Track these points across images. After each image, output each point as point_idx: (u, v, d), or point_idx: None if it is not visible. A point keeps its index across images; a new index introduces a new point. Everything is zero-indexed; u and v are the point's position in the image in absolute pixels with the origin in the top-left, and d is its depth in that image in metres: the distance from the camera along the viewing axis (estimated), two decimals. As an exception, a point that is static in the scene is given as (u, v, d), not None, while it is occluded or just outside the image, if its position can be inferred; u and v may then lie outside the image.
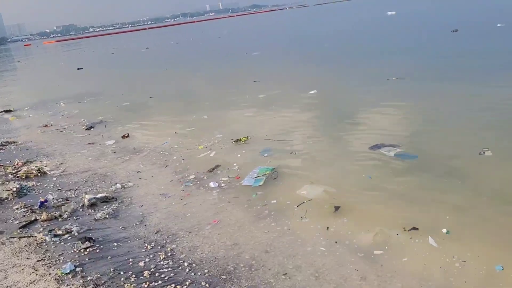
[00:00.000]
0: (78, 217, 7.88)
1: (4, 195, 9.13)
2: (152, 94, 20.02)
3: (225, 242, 6.51)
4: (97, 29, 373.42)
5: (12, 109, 21.21)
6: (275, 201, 7.68)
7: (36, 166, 11.10)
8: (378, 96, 14.10)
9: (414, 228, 6.22)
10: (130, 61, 42.31)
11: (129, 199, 8.62)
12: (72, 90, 25.02)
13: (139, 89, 22.90)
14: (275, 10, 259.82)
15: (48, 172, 10.78)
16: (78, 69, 38.91)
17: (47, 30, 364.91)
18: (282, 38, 46.36)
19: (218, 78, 23.13)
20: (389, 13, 60.72)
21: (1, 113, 20.66)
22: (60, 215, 7.94)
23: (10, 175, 10.78)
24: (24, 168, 11.00)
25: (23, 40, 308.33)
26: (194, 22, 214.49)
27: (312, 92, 15.68)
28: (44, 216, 7.84)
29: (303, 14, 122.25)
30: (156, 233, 7.01)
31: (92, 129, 15.01)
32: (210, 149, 11.04)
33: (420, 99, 13.06)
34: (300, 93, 15.93)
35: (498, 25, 26.98)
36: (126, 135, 13.43)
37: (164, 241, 6.72)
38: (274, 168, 9.07)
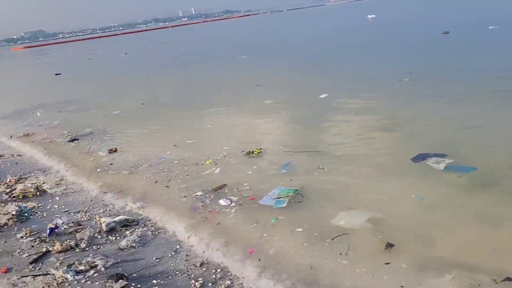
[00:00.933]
0: (98, 246, 6.70)
1: (3, 220, 7.84)
2: (144, 100, 18.73)
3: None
4: (67, 35, 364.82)
5: (-12, 118, 19.61)
6: (300, 229, 6.40)
7: (33, 184, 9.81)
8: (396, 98, 13.37)
9: (509, 279, 4.76)
10: (110, 66, 40.64)
11: (150, 221, 7.50)
12: (52, 98, 23.40)
13: (128, 95, 21.54)
14: (249, 15, 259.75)
15: (48, 190, 9.52)
16: (56, 74, 37.07)
17: (14, 36, 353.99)
18: (265, 41, 45.48)
19: (213, 82, 21.99)
20: (369, 16, 60.97)
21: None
22: (77, 245, 6.74)
23: (4, 194, 9.45)
24: (20, 186, 9.69)
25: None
26: (168, 27, 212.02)
27: (323, 96, 14.78)
28: (57, 246, 6.63)
29: (278, 18, 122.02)
30: (200, 266, 5.91)
31: (76, 141, 13.48)
32: (216, 164, 9.74)
33: (446, 100, 12.27)
34: (310, 97, 15.01)
35: (490, 27, 26.85)
36: (114, 149, 11.91)
37: (214, 276, 5.64)
38: (297, 190, 7.70)
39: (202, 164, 9.81)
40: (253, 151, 10.11)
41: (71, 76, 35.77)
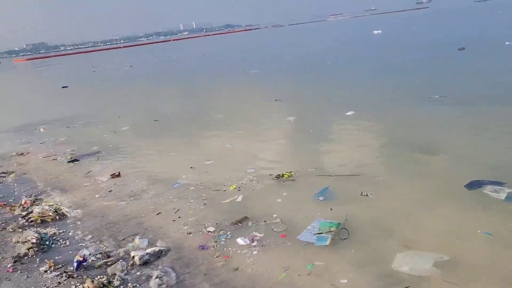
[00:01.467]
0: (135, 284, 5.95)
1: (23, 250, 7.10)
2: (157, 116, 18.08)
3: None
4: (69, 48, 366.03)
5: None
6: (345, 280, 5.38)
7: (50, 206, 9.09)
8: (431, 116, 12.68)
9: None
10: (116, 79, 40.11)
11: (181, 254, 6.70)
12: (59, 112, 22.82)
13: (138, 110, 20.94)
14: (251, 29, 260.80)
15: (67, 214, 8.80)
16: (63, 87, 36.49)
17: (16, 48, 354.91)
18: (272, 56, 45.03)
19: (228, 97, 21.39)
20: (375, 32, 60.70)
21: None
22: (109, 282, 6.02)
23: (20, 218, 8.73)
24: (37, 209, 8.96)
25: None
26: (170, 41, 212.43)
27: (349, 113, 14.13)
28: (88, 284, 5.89)
29: (280, 33, 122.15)
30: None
31: (76, 162, 12.53)
32: (239, 189, 8.86)
33: (484, 120, 11.62)
34: (336, 114, 14.37)
35: (507, 43, 26.38)
36: (116, 173, 10.87)
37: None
38: (340, 223, 6.80)
39: (225, 190, 8.91)
40: (282, 174, 9.26)
41: (77, 89, 35.24)
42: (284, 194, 8.40)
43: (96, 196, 9.66)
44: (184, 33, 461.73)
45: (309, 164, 9.91)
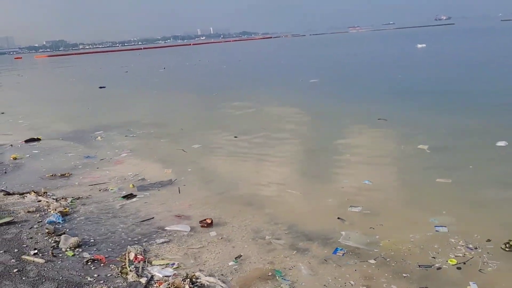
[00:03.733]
0: None
1: None
2: (235, 131, 15.18)
3: None
4: (87, 46, 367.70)
5: (40, 138, 16.19)
6: None
7: (184, 277, 6.19)
8: None
9: None
10: (154, 82, 37.43)
11: None
12: (108, 117, 20.23)
13: (204, 121, 18.14)
14: (271, 37, 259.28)
15: (209, 283, 5.92)
16: (101, 87, 34.03)
17: (36, 45, 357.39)
18: (318, 64, 42.14)
19: (310, 110, 18.38)
20: (419, 45, 57.86)
21: (29, 142, 15.66)
22: None
23: (137, 285, 5.88)
24: (158, 274, 6.10)
25: (12, 53, 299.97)
26: (190, 45, 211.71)
27: (501, 143, 11.12)
28: None
29: (306, 42, 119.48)
30: None
31: (131, 199, 9.19)
32: (460, 267, 5.78)
33: None
34: (485, 145, 11.39)
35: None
36: (209, 221, 7.71)
37: None
38: None
39: (439, 267, 5.80)
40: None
41: (116, 91, 32.72)
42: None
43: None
44: (202, 38, 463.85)
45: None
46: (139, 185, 10.15)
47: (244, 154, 12.55)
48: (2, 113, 23.37)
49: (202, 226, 7.66)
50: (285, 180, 9.96)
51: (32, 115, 22.68)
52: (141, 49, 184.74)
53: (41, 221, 8.01)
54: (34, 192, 9.52)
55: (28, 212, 8.42)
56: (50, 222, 7.88)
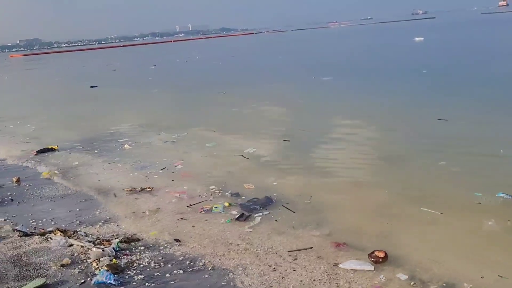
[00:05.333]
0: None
1: None
2: (282, 133, 13.17)
3: None
4: (63, 45, 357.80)
5: (55, 147, 13.76)
6: None
7: None
8: None
9: None
10: (148, 80, 34.64)
11: None
12: (120, 119, 17.81)
13: (229, 118, 16.04)
14: (253, 33, 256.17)
15: None
16: (92, 87, 31.37)
17: (9, 44, 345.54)
18: (322, 60, 39.90)
19: (341, 111, 16.23)
20: (417, 39, 56.47)
21: (42, 152, 13.27)
22: None
23: None
24: None
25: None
26: (171, 41, 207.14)
27: None
28: None
29: (292, 38, 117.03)
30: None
31: (245, 218, 7.53)
32: None
33: None
34: None
35: None
36: (381, 254, 5.85)
37: None
38: None
39: None
40: None
41: (111, 90, 30.05)
42: None
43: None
44: (181, 35, 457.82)
45: None
46: (240, 203, 8.15)
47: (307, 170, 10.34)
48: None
49: (375, 261, 5.73)
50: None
51: (30, 118, 20.01)
52: (121, 46, 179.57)
53: (84, 282, 5.64)
54: (60, 231, 7.08)
55: (62, 266, 6.03)
56: (99, 284, 5.52)
